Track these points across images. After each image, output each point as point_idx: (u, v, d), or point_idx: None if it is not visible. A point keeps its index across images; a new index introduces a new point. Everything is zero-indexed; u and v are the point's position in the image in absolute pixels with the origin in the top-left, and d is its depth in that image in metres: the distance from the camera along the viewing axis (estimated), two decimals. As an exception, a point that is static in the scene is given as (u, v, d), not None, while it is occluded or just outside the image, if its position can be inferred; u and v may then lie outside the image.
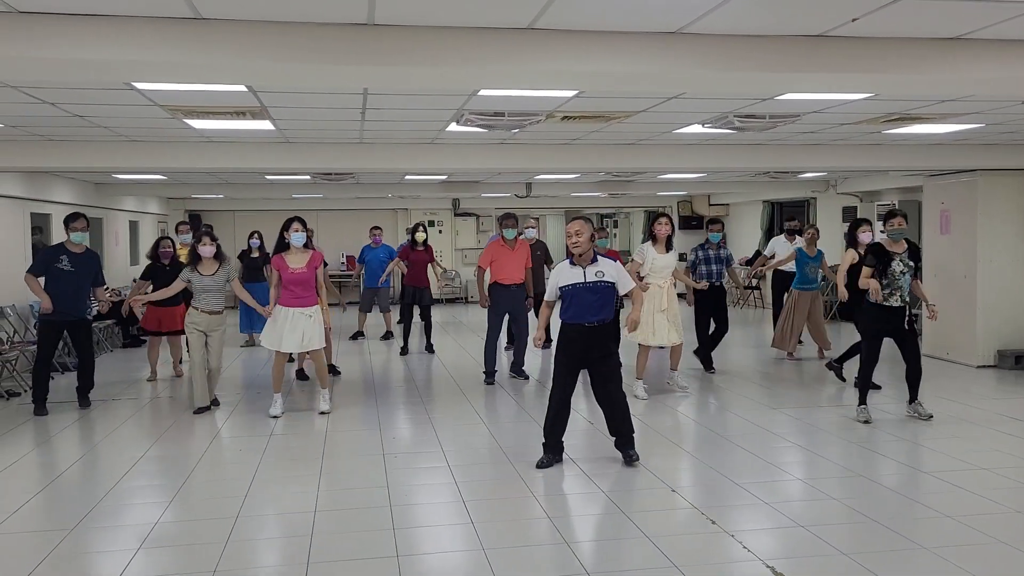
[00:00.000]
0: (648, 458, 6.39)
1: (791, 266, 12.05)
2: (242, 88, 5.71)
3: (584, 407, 8.32)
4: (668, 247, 8.64)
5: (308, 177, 13.63)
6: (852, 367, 9.36)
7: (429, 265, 12.06)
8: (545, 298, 6.38)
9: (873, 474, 6.06)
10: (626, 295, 6.34)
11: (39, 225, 12.00)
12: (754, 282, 17.83)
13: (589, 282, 6.07)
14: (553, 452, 6.28)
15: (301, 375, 9.96)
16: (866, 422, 7.41)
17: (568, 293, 6.10)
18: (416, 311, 12.05)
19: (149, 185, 15.02)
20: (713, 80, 4.80)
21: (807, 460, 6.51)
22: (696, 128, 8.21)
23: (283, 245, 7.97)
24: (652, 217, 8.88)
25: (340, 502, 5.57)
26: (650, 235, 8.70)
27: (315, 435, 7.34)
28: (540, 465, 6.17)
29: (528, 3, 3.95)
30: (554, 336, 6.38)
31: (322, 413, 8.02)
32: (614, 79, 4.73)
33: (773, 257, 12.34)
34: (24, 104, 6.37)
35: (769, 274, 12.65)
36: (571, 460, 6.40)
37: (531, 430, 7.42)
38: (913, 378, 7.57)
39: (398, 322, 13.27)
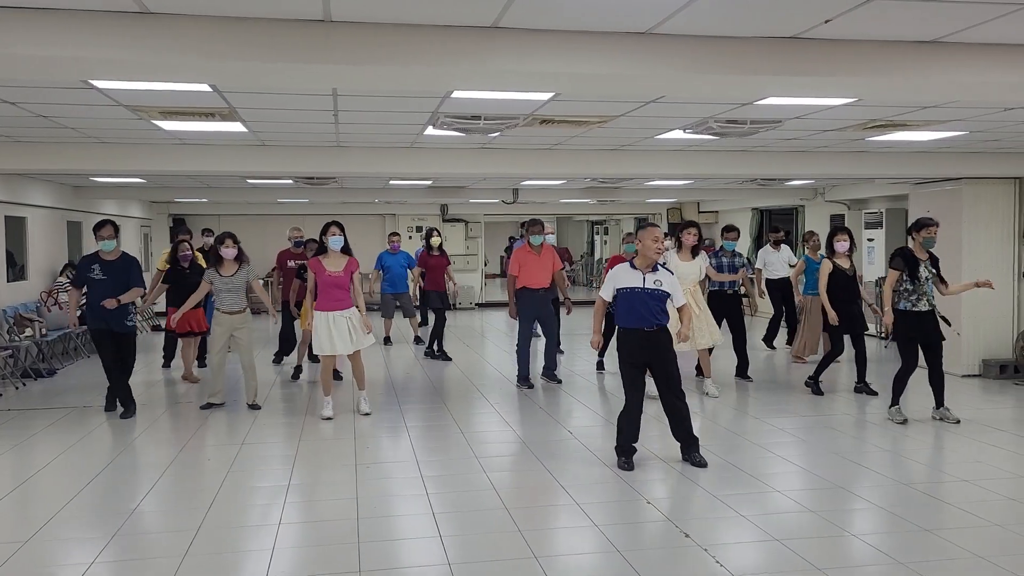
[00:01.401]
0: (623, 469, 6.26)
1: (778, 272, 12.17)
2: (205, 88, 5.57)
3: (566, 417, 8.19)
4: (694, 255, 8.83)
5: (291, 181, 13.47)
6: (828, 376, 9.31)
7: (446, 270, 12.18)
8: (601, 294, 6.45)
9: (853, 486, 5.92)
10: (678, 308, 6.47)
11: (14, 230, 11.80)
12: (741, 290, 17.72)
13: (648, 288, 6.16)
14: (627, 454, 6.36)
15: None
16: (903, 423, 7.65)
17: (625, 295, 6.19)
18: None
19: (129, 188, 14.82)
20: (687, 82, 4.68)
21: (787, 471, 6.38)
22: (678, 134, 8.10)
23: (321, 249, 8.09)
24: (681, 226, 9.02)
25: (306, 514, 5.43)
26: (677, 242, 8.92)
27: (287, 444, 7.18)
28: (623, 467, 6.27)
29: (488, 0, 3.82)
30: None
31: (365, 414, 8.17)
32: (584, 80, 4.60)
33: (762, 269, 12.49)
34: (-17, 104, 6.23)
35: (763, 283, 12.70)
36: (547, 471, 6.27)
37: (510, 439, 7.28)
38: (937, 384, 7.76)
39: (421, 324, 13.65)
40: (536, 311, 9.68)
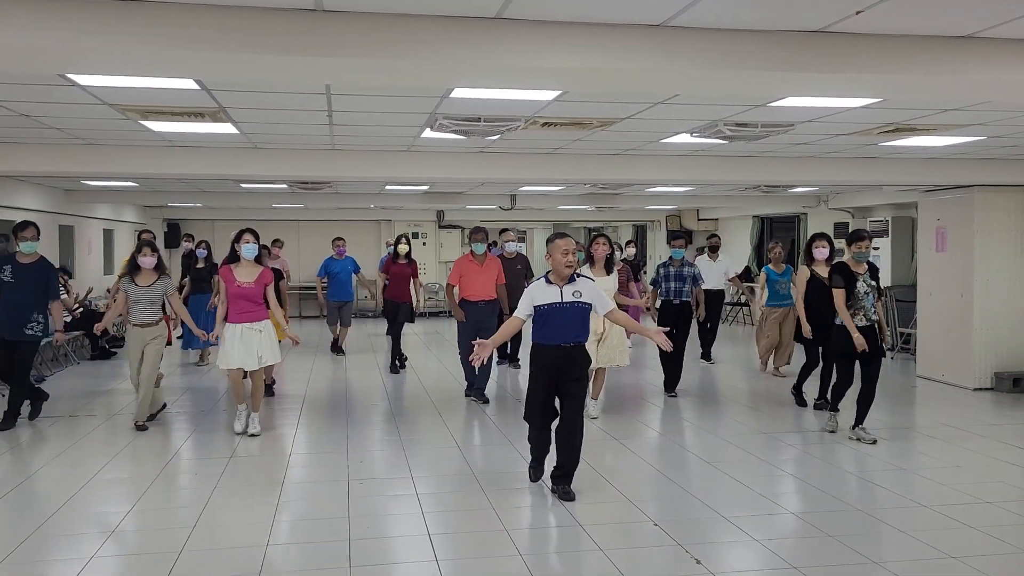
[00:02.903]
0: (629, 487, 5.98)
1: (712, 283, 11.77)
2: (192, 85, 5.29)
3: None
4: (608, 270, 7.93)
5: (285, 186, 13.21)
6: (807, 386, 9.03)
7: (412, 280, 11.38)
8: (516, 313, 5.85)
9: (871, 508, 5.64)
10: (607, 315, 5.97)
11: (4, 233, 11.52)
12: (742, 298, 17.54)
13: (566, 302, 5.68)
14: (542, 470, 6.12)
15: (268, 391, 9.52)
16: (832, 432, 7.56)
17: (543, 313, 5.69)
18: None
19: (122, 192, 14.54)
20: (704, 79, 4.40)
21: (800, 490, 6.11)
22: (684, 138, 7.84)
23: (234, 257, 7.55)
24: (591, 237, 8.13)
25: (296, 535, 5.15)
26: (587, 257, 8.04)
27: (277, 458, 6.90)
28: (534, 479, 6.11)
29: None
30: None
31: (252, 435, 7.52)
32: (595, 76, 4.32)
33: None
34: (-39, 101, 5.96)
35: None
36: (547, 489, 5.97)
37: (507, 455, 6.99)
38: (864, 401, 7.35)
39: (387, 333, 12.87)
40: (477, 324, 9.05)
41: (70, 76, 5.05)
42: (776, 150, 8.90)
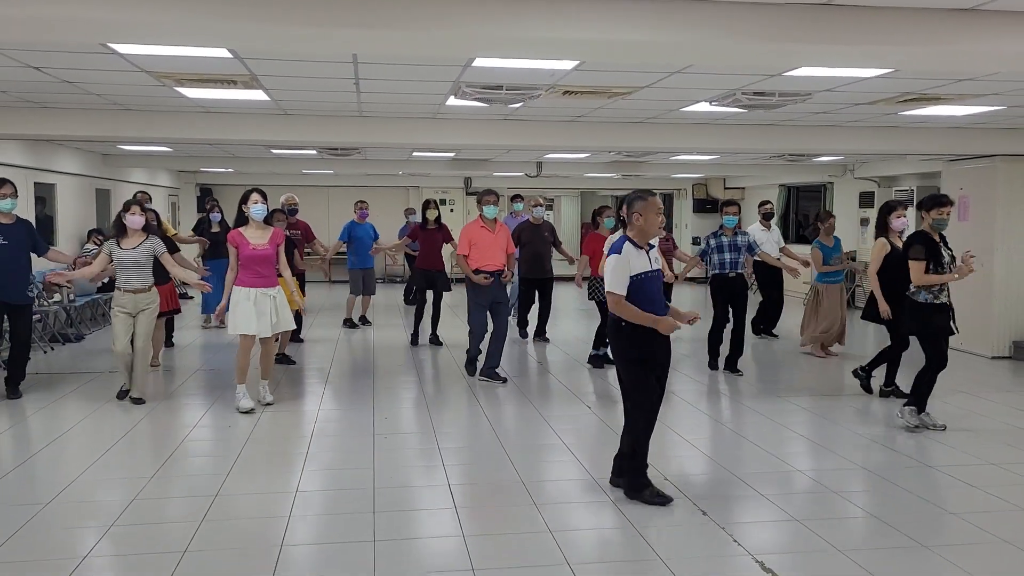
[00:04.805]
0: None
1: (772, 253, 10.62)
2: (226, 54, 5.51)
3: (586, 394, 8.14)
4: None
5: (314, 152, 13.45)
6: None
7: (446, 246, 10.66)
8: (617, 291, 4.87)
9: (878, 468, 5.82)
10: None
11: (43, 196, 11.90)
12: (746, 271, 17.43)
13: (654, 269, 5.01)
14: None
15: (287, 360, 9.46)
16: (936, 427, 6.73)
17: (637, 282, 4.89)
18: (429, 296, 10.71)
19: (157, 157, 14.91)
20: (717, 50, 4.53)
21: (810, 451, 6.29)
22: (704, 106, 7.95)
23: (243, 220, 7.27)
24: (620, 202, 7.71)
25: (322, 483, 5.44)
26: (619, 223, 7.22)
27: (306, 415, 7.20)
28: (661, 503, 5.02)
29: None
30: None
31: (267, 404, 7.37)
32: (611, 48, 4.46)
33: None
34: (8, 68, 6.23)
35: (749, 265, 10.81)
36: (566, 447, 6.22)
37: (529, 415, 7.23)
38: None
39: (408, 302, 12.21)
40: (491, 296, 8.44)
41: (111, 45, 5.30)
42: (797, 119, 8.97)
